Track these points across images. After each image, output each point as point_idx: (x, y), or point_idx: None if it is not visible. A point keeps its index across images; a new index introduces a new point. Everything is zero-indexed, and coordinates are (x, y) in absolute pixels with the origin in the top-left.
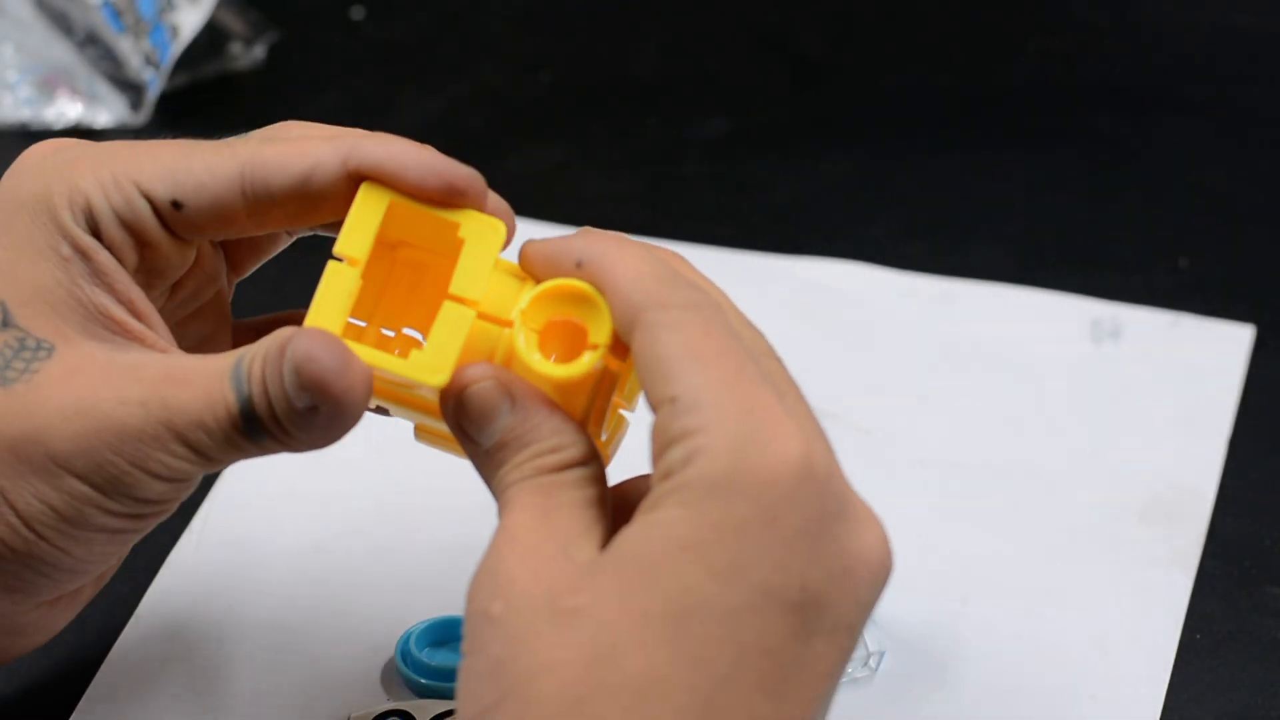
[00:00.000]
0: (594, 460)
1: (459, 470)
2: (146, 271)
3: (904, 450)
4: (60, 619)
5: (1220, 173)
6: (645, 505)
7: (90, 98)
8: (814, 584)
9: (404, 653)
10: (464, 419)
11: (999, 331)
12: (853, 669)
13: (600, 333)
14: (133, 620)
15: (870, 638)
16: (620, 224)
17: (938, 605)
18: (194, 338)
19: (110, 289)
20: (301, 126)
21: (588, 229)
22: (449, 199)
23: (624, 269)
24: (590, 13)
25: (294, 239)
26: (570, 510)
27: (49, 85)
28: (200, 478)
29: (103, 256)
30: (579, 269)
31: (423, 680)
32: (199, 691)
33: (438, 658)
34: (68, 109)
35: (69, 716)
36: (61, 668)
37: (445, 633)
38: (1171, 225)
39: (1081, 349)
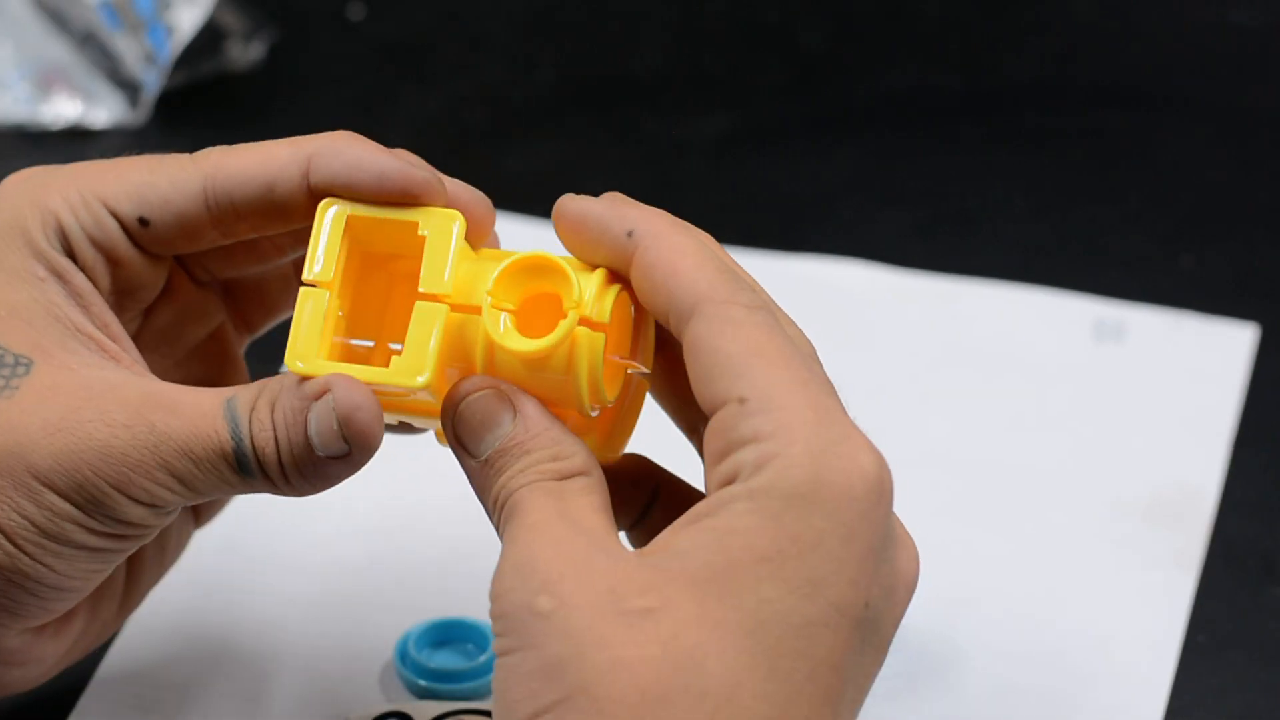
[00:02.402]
0: (595, 469)
1: (458, 472)
2: (119, 293)
3: (905, 450)
4: (49, 650)
5: (1223, 171)
6: (709, 506)
7: (88, 96)
8: (874, 601)
9: (403, 654)
10: (463, 430)
11: (1001, 331)
12: None
13: (570, 300)
14: (131, 621)
15: None
16: None
17: (939, 605)
18: (196, 380)
19: (86, 310)
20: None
21: (622, 198)
22: (405, 202)
23: (685, 256)
24: (590, 12)
25: None
26: (587, 513)
27: (46, 84)
28: (180, 507)
29: (78, 279)
30: (630, 239)
31: (421, 681)
32: (197, 693)
33: (437, 659)
34: (65, 108)
35: (68, 717)
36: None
37: (444, 634)
38: (1174, 224)
39: (1084, 348)
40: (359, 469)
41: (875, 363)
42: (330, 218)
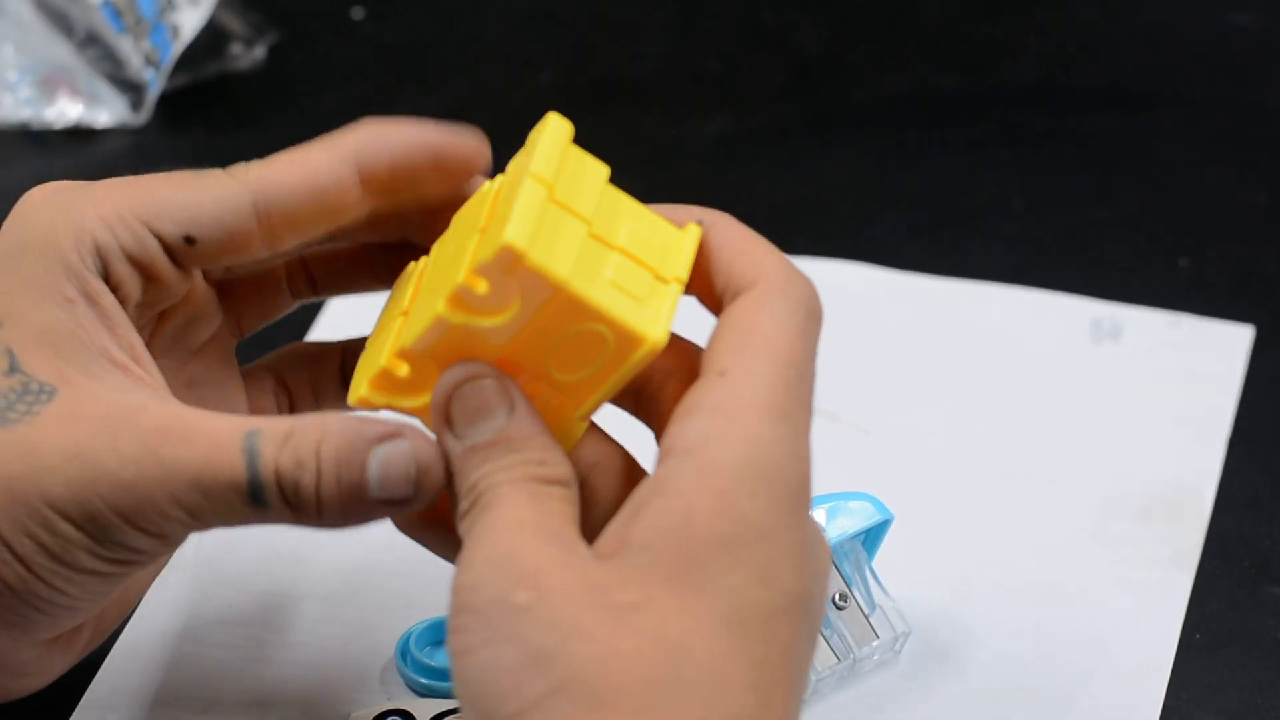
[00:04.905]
0: (572, 484)
1: None
2: (142, 305)
3: (903, 450)
4: (57, 661)
5: (1220, 172)
6: (656, 484)
7: (90, 98)
8: (810, 589)
9: (404, 652)
10: (458, 411)
11: (998, 331)
12: (879, 654)
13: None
14: (132, 621)
15: (896, 619)
16: None
17: (936, 606)
18: (194, 383)
19: (112, 333)
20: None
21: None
22: (456, 171)
23: (756, 243)
24: (590, 13)
25: (297, 304)
26: (562, 520)
27: (49, 85)
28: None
29: (107, 301)
30: (699, 224)
31: (423, 680)
32: (199, 692)
33: (438, 657)
34: (68, 109)
35: (71, 716)
36: None
37: (445, 633)
38: (1171, 225)
39: (1081, 349)
40: (404, 514)
41: (873, 363)
42: (558, 124)
